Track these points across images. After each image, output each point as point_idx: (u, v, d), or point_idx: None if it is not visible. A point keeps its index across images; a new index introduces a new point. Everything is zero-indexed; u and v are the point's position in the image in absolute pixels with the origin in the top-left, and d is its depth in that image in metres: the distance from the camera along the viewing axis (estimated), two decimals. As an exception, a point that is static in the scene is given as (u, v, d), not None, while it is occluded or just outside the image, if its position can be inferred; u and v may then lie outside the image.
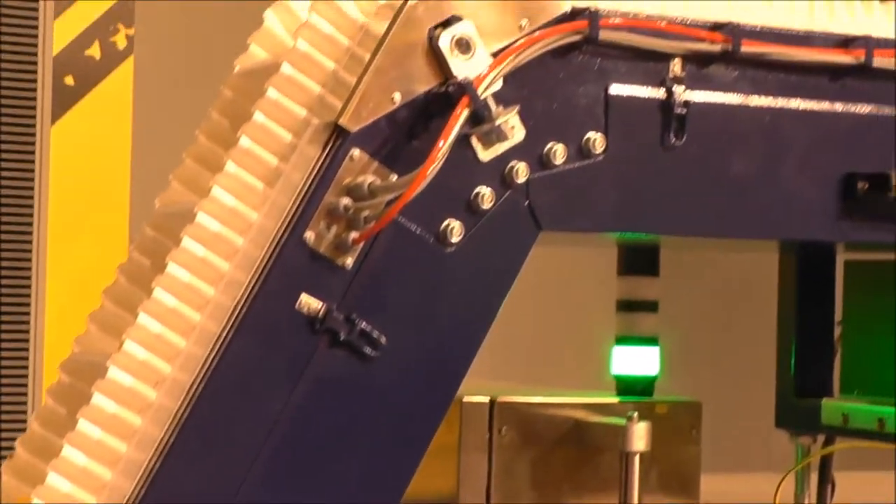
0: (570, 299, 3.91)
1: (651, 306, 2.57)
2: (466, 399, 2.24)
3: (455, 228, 1.77)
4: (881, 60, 2.01)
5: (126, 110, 3.47)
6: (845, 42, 2.00)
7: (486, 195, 1.78)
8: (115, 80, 3.42)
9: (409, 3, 1.70)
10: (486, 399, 2.26)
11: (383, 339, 1.74)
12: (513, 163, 1.79)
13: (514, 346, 4.05)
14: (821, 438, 2.50)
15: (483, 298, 1.83)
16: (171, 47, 5.19)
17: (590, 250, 2.68)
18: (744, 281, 3.89)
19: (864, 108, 2.03)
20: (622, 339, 2.56)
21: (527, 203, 1.81)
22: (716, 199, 1.97)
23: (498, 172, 1.79)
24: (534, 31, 1.78)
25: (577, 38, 1.80)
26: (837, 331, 2.50)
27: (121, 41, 3.48)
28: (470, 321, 1.82)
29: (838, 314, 2.51)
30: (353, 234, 1.71)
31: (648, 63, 1.87)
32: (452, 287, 1.81)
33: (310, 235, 1.70)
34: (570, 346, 3.37)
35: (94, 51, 3.44)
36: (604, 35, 1.80)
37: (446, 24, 1.72)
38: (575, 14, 1.80)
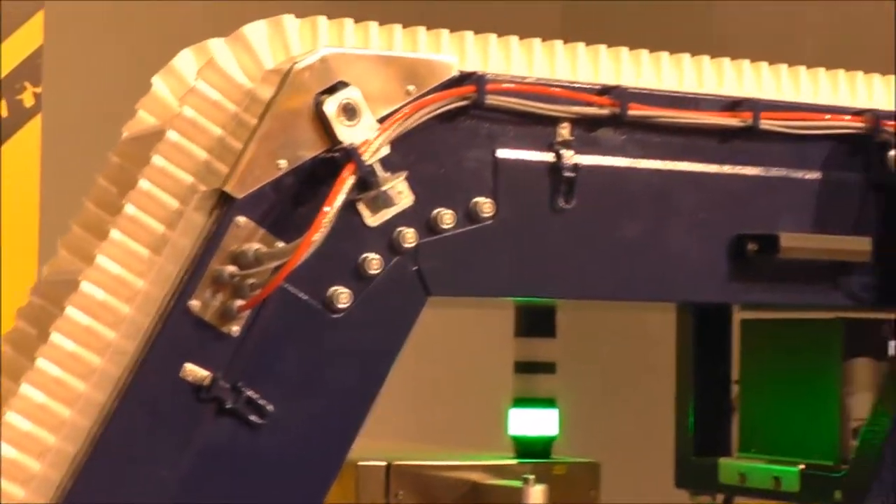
0: (468, 361, 3.94)
1: (548, 367, 2.60)
2: (362, 463, 2.26)
3: (342, 295, 1.79)
4: (768, 123, 2.09)
5: (34, 168, 3.48)
6: (733, 105, 2.07)
7: (373, 261, 1.81)
8: (22, 138, 3.43)
9: (294, 68, 1.74)
10: (382, 463, 2.28)
11: (270, 407, 1.75)
12: (401, 228, 1.83)
13: (412, 407, 4.09)
14: (720, 497, 2.55)
15: (372, 364, 1.85)
16: (80, 105, 5.20)
17: (487, 311, 2.72)
18: (642, 341, 3.96)
19: (752, 170, 2.11)
20: (520, 401, 2.59)
21: (415, 268, 1.84)
22: (607, 263, 2.02)
23: (386, 238, 1.83)
24: (421, 96, 1.82)
25: (464, 102, 1.85)
26: (735, 389, 2.56)
27: (28, 99, 3.50)
28: (359, 386, 1.84)
29: (736, 373, 2.57)
30: (240, 302, 1.73)
31: (537, 127, 1.93)
32: (341, 353, 1.82)
33: (195, 304, 1.72)
34: (469, 408, 3.40)
35: (1, 109, 3.46)
36: (491, 100, 1.85)
37: (332, 89, 1.76)
38: (462, 79, 1.85)
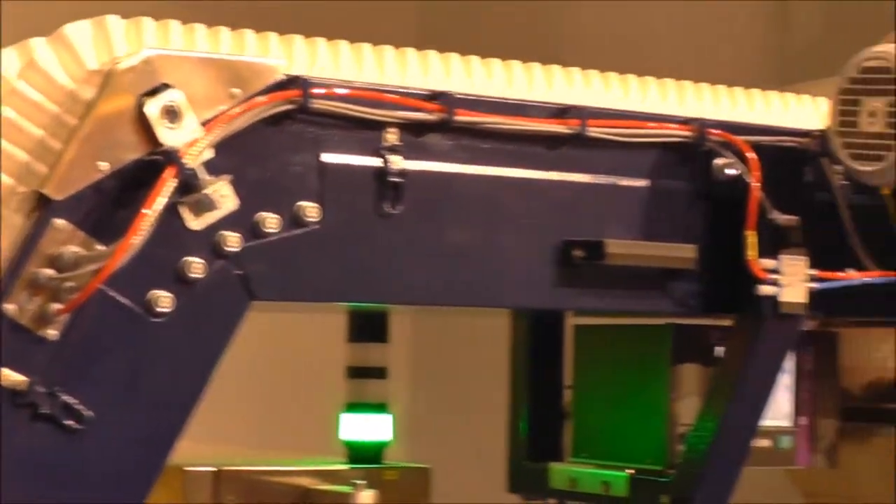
0: (300, 365, 3.94)
1: (380, 373, 2.60)
2: (190, 468, 2.25)
3: (163, 299, 1.80)
4: (595, 130, 2.14)
5: None
6: (560, 112, 2.13)
7: (195, 265, 1.82)
8: None
9: (116, 69, 1.75)
10: (210, 468, 2.27)
11: (89, 413, 1.75)
12: (224, 232, 1.84)
13: (245, 412, 4.08)
14: (552, 502, 2.56)
15: (194, 368, 1.86)
16: None
17: (319, 316, 2.73)
18: (478, 346, 4.02)
19: (579, 177, 2.16)
20: (352, 406, 2.59)
21: (239, 273, 1.86)
22: (434, 268, 2.06)
23: (209, 242, 1.84)
24: (245, 99, 1.84)
25: (290, 106, 1.88)
26: (568, 394, 2.59)
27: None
28: (181, 391, 1.85)
29: (569, 378, 2.60)
30: (57, 306, 1.72)
31: (364, 132, 1.96)
32: (162, 357, 1.83)
33: (10, 307, 1.71)
34: (302, 413, 3.40)
35: None
36: (317, 104, 1.89)
37: (155, 91, 1.77)
38: (288, 83, 1.88)
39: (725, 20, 5.18)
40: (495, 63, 2.16)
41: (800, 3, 5.30)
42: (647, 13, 5.44)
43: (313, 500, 2.31)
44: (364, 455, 2.52)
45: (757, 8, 5.27)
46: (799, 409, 2.50)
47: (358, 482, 2.25)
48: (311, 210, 1.90)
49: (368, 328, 2.59)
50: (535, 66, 2.19)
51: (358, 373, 2.58)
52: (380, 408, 2.56)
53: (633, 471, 2.36)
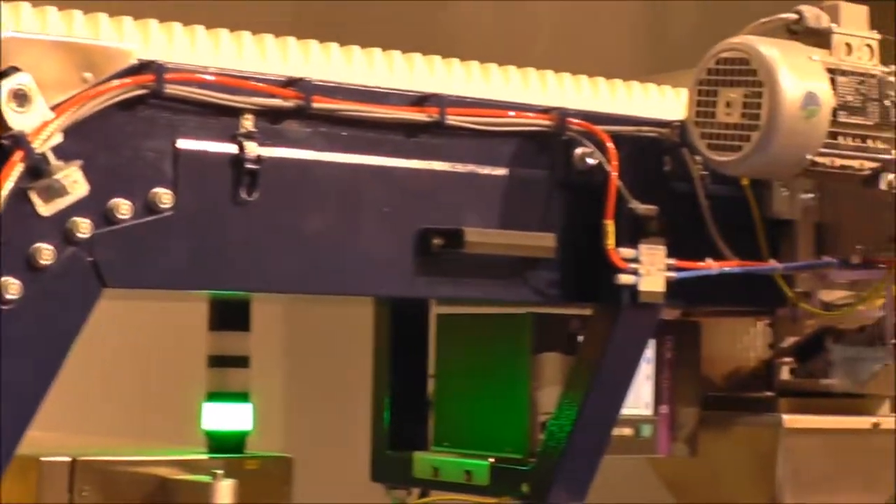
0: (162, 354, 3.90)
1: (242, 361, 2.56)
2: (45, 458, 2.21)
3: (12, 286, 1.79)
4: (455, 118, 2.17)
5: None
6: (420, 100, 2.15)
7: (45, 251, 1.81)
8: None
9: None
10: (66, 458, 2.23)
11: None
12: (75, 218, 1.84)
13: (106, 401, 4.03)
14: (416, 491, 2.59)
15: (44, 356, 1.84)
16: None
17: (181, 304, 2.71)
18: (342, 334, 4.01)
19: (439, 165, 2.19)
20: (213, 395, 2.58)
21: (90, 259, 1.85)
22: (291, 256, 2.07)
23: (59, 228, 1.83)
24: (97, 84, 1.84)
25: (143, 91, 1.88)
26: (431, 384, 2.61)
27: None
28: (30, 379, 1.83)
29: (432, 367, 2.62)
30: None
31: (220, 118, 1.97)
32: (10, 345, 1.80)
33: None
34: (163, 402, 3.37)
35: None
36: (171, 89, 1.90)
37: (3, 74, 1.76)
38: (141, 67, 1.88)
39: (603, 11, 5.25)
40: (355, 50, 2.17)
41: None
42: (524, 4, 5.49)
43: (171, 490, 2.29)
44: (225, 445, 2.51)
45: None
46: (659, 398, 2.52)
47: (217, 472, 2.24)
48: (164, 196, 1.90)
49: (230, 316, 2.57)
50: (396, 54, 2.21)
51: (219, 362, 2.56)
52: (241, 397, 2.55)
53: (494, 459, 2.38)
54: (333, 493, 3.31)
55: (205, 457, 2.40)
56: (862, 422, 2.63)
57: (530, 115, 2.27)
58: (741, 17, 2.42)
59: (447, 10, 5.55)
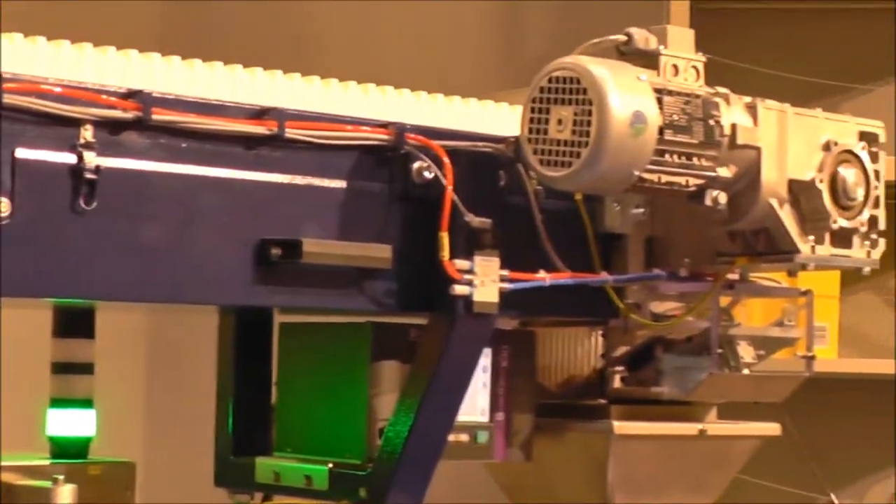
0: (5, 360, 3.89)
1: (87, 368, 2.59)
2: None
3: None
4: (293, 132, 2.21)
5: None
6: (259, 113, 2.19)
7: None
8: None
9: None
10: None
11: None
12: None
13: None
14: (259, 496, 2.60)
15: None
16: None
17: (26, 311, 2.73)
18: (186, 342, 4.01)
19: (279, 177, 2.22)
20: (57, 402, 2.58)
21: None
22: (130, 265, 2.08)
23: None
24: None
25: None
26: (275, 390, 2.62)
27: None
28: None
29: (276, 374, 2.63)
30: None
31: (59, 128, 1.98)
32: None
33: None
34: (7, 409, 3.36)
35: None
36: (8, 99, 1.91)
37: None
38: None
39: (460, 27, 5.31)
40: (196, 63, 2.20)
41: (531, 8, 5.48)
42: (384, 19, 5.53)
43: (13, 494, 2.29)
44: (69, 451, 2.52)
45: (490, 15, 5.42)
46: (495, 406, 2.53)
47: (58, 477, 2.25)
48: (1, 205, 1.91)
49: (75, 324, 2.57)
50: (238, 68, 2.25)
51: (64, 368, 2.57)
52: (85, 403, 2.56)
53: (332, 464, 2.40)
54: (177, 498, 3.33)
55: (47, 462, 2.41)
56: (689, 428, 2.65)
57: (367, 129, 2.29)
58: (597, 31, 2.47)
59: (309, 23, 5.58)
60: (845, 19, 5.52)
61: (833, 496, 5.65)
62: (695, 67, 2.40)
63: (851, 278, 5.19)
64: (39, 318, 2.61)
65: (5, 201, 1.92)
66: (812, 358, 2.66)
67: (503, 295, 2.34)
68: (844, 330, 5.30)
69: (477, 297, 2.30)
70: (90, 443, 2.53)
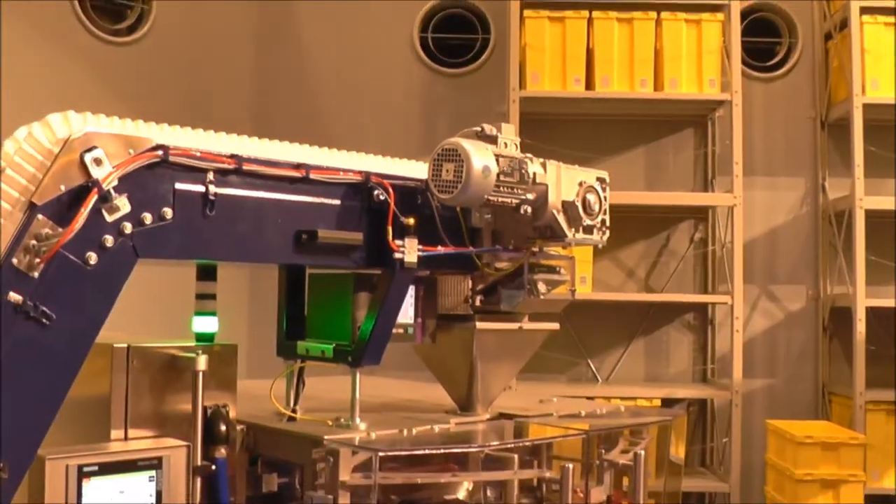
0: (172, 292, 3.71)
1: (213, 296, 2.52)
2: (115, 345, 2.17)
3: (93, 256, 1.92)
4: (314, 175, 2.27)
5: None
6: (296, 165, 2.26)
7: (109, 239, 1.95)
8: None
9: (71, 138, 1.90)
10: (124, 345, 2.18)
11: (54, 316, 1.85)
12: (124, 223, 1.98)
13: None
14: (298, 361, 2.56)
15: (108, 295, 1.95)
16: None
17: (182, 266, 2.61)
18: (263, 285, 3.84)
19: (306, 198, 2.30)
20: (197, 313, 2.52)
21: (131, 244, 1.98)
22: (232, 243, 2.17)
23: (116, 228, 1.96)
24: (136, 155, 1.98)
25: (157, 159, 2.02)
26: (306, 308, 2.59)
27: None
28: (101, 309, 1.93)
29: (307, 299, 2.59)
30: (37, 260, 1.85)
31: (196, 173, 2.10)
32: (92, 287, 1.92)
33: (15, 260, 1.84)
34: (171, 319, 3.22)
35: None
36: (172, 158, 2.04)
37: (90, 149, 1.91)
38: (157, 147, 2.02)
39: (405, 125, 5.50)
40: (266, 140, 2.25)
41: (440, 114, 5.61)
42: (368, 109, 5.62)
43: (175, 361, 2.24)
44: (204, 339, 2.45)
45: (418, 116, 5.63)
46: (417, 314, 2.59)
47: (199, 351, 2.21)
48: (168, 212, 2.02)
49: (206, 273, 2.50)
50: (286, 143, 2.29)
51: (201, 297, 2.51)
52: (212, 314, 2.52)
53: (335, 344, 2.44)
54: (255, 364, 3.09)
55: (193, 344, 2.34)
56: (514, 326, 2.72)
57: (352, 174, 2.35)
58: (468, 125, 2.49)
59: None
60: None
61: (589, 361, 5.95)
62: (515, 144, 2.49)
63: (598, 252, 5.47)
64: (189, 272, 2.58)
65: (170, 210, 2.04)
66: (574, 290, 2.75)
67: (419, 259, 2.40)
68: (595, 279, 5.57)
69: (406, 259, 2.39)
70: (215, 336, 2.51)
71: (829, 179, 6.03)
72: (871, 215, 5.50)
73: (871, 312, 5.50)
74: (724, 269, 5.78)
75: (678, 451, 3.05)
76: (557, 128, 5.67)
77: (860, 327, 5.43)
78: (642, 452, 2.58)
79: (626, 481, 2.85)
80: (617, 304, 5.87)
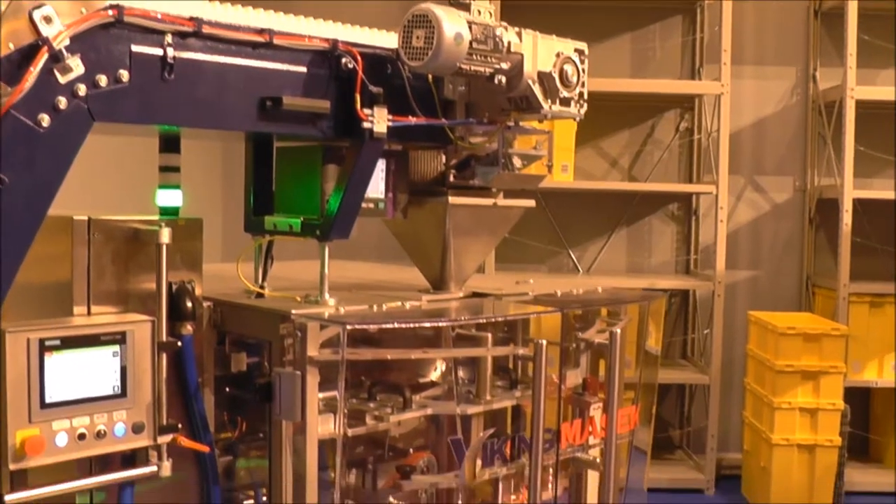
0: (131, 165, 3.65)
1: (176, 169, 2.51)
2: (76, 218, 2.14)
3: (45, 118, 1.88)
4: (278, 41, 2.23)
5: None
6: (260, 30, 2.21)
7: (62, 101, 1.91)
8: None
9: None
10: (84, 217, 2.15)
11: (6, 179, 1.83)
12: (77, 84, 1.93)
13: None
14: (267, 237, 2.55)
15: (62, 158, 1.92)
16: None
17: (139, 138, 2.60)
18: (232, 159, 3.66)
19: (270, 64, 2.25)
20: (162, 186, 2.51)
21: (86, 107, 1.95)
22: (192, 108, 2.13)
23: (70, 90, 1.92)
24: (88, 14, 1.94)
25: (111, 19, 1.97)
26: (274, 182, 2.56)
27: None
28: (55, 172, 1.89)
29: (275, 173, 2.57)
30: None
31: (155, 35, 2.06)
32: (46, 150, 1.89)
33: None
34: (135, 190, 3.13)
35: None
36: (127, 19, 1.99)
37: (39, 6, 1.86)
38: (111, 6, 1.97)
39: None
40: (228, 5, 2.18)
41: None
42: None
43: (139, 234, 2.22)
44: (168, 213, 2.46)
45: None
46: (388, 188, 2.58)
47: (162, 224, 2.19)
48: (125, 74, 1.96)
49: (169, 144, 2.48)
50: (249, 8, 2.23)
51: (164, 169, 2.50)
52: (176, 187, 2.50)
53: (303, 218, 2.42)
54: (220, 237, 3.10)
55: (157, 218, 2.31)
56: (488, 202, 2.72)
57: (319, 40, 2.31)
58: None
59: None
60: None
61: (570, 251, 5.99)
62: (490, 12, 2.45)
63: (581, 141, 5.43)
64: (152, 144, 2.54)
65: (126, 72, 2.00)
66: (551, 166, 2.74)
67: (389, 129, 2.37)
68: (578, 168, 5.56)
69: (375, 129, 2.35)
70: (179, 210, 2.50)
71: (820, 69, 5.98)
72: (861, 106, 5.49)
73: (858, 204, 5.53)
74: (710, 160, 5.76)
75: (657, 342, 3.07)
76: (541, 13, 5.57)
77: (847, 218, 5.47)
78: (618, 331, 2.60)
79: (602, 370, 2.85)
80: (599, 194, 5.88)
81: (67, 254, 2.10)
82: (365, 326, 2.34)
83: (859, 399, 5.80)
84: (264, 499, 2.37)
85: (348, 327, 2.17)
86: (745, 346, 5.70)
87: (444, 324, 2.53)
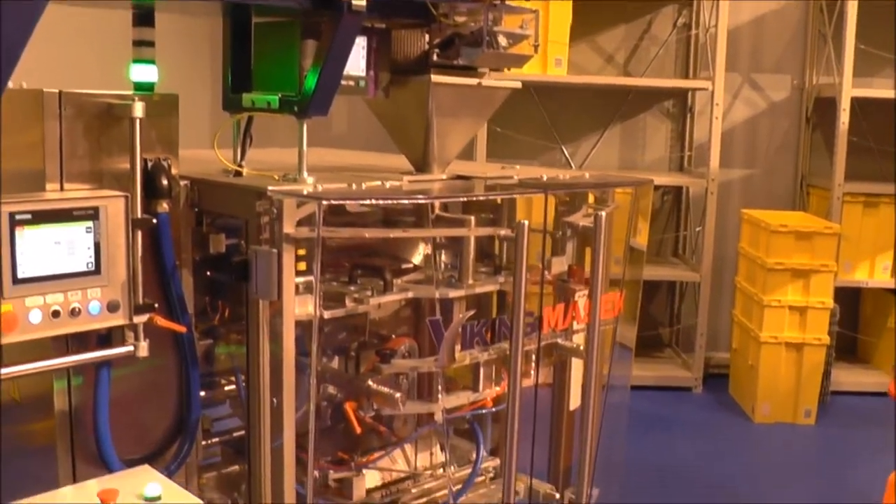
0: (107, 42, 3.49)
1: (151, 44, 2.43)
2: (46, 90, 2.06)
3: None
4: None
5: None
6: None
7: None
8: None
9: None
10: (56, 90, 2.07)
11: None
12: None
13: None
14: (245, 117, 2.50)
15: (27, 21, 1.73)
16: None
17: (109, 12, 2.52)
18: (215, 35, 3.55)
19: None
20: (136, 60, 2.43)
21: None
22: None
23: None
24: None
25: None
26: (252, 58, 2.50)
27: None
28: (18, 36, 1.72)
29: (253, 50, 2.50)
30: None
31: None
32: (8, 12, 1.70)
33: None
34: (114, 66, 3.02)
35: None
36: None
37: None
38: None
39: None
40: None
41: None
42: None
43: (113, 109, 2.16)
44: (143, 88, 2.40)
45: None
46: (368, 66, 2.50)
47: (135, 99, 2.13)
48: None
49: (143, 19, 2.40)
50: None
51: (138, 43, 2.42)
52: (151, 62, 2.40)
53: (281, 95, 2.38)
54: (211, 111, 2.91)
55: (131, 93, 2.26)
56: (473, 81, 2.63)
57: None
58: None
59: None
60: None
61: (563, 147, 5.95)
62: None
63: (575, 35, 5.32)
64: (125, 17, 2.45)
65: None
66: (538, 46, 2.64)
67: (369, 2, 2.28)
68: (571, 62, 5.46)
69: (354, 1, 2.27)
70: (154, 86, 2.43)
71: (822, -36, 5.83)
72: (863, 1, 5.35)
73: (856, 104, 5.45)
74: (707, 56, 5.66)
75: (644, 238, 3.04)
76: None
77: (844, 117, 5.41)
78: (604, 214, 2.57)
79: (588, 261, 2.80)
80: (593, 89, 5.80)
81: (40, 140, 2.05)
82: (342, 202, 2.31)
83: (850, 299, 5.83)
84: (244, 384, 2.35)
85: (325, 203, 2.14)
86: (737, 245, 5.70)
87: (423, 200, 2.50)
